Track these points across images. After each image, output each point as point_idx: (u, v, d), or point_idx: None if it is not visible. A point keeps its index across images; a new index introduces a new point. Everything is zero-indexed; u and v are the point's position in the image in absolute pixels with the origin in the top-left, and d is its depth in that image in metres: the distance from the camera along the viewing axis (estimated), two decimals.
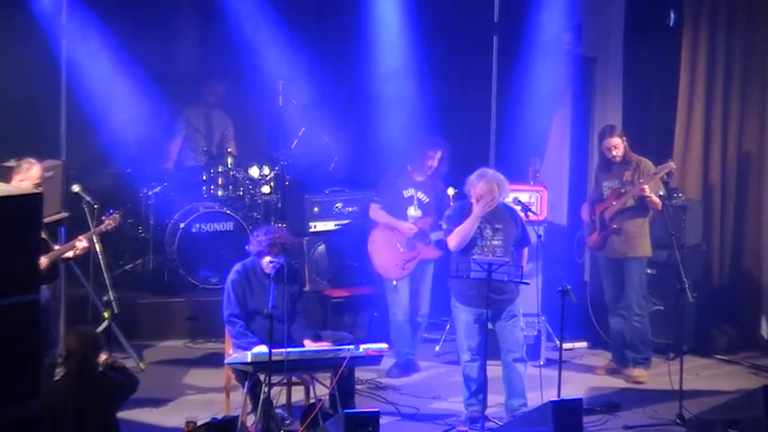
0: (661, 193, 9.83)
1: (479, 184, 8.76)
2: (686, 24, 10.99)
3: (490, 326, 8.82)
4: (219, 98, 12.06)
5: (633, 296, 9.95)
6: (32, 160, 8.81)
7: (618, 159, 9.92)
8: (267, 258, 8.49)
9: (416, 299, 10.11)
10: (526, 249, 9.10)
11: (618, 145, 9.90)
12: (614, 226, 9.86)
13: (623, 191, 9.83)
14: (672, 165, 9.91)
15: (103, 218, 9.42)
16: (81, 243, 8.98)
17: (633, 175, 9.85)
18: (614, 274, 10.03)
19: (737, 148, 11.02)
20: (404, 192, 10.06)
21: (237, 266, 8.71)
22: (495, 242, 8.81)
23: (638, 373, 9.96)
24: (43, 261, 8.56)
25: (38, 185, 8.67)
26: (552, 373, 8.60)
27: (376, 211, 10.14)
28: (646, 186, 9.66)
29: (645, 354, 10.02)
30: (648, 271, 10.18)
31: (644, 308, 10.02)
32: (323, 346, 8.43)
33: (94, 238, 9.43)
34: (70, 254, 9.04)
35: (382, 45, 11.60)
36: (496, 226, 8.84)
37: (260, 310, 8.48)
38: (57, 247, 8.94)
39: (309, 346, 8.42)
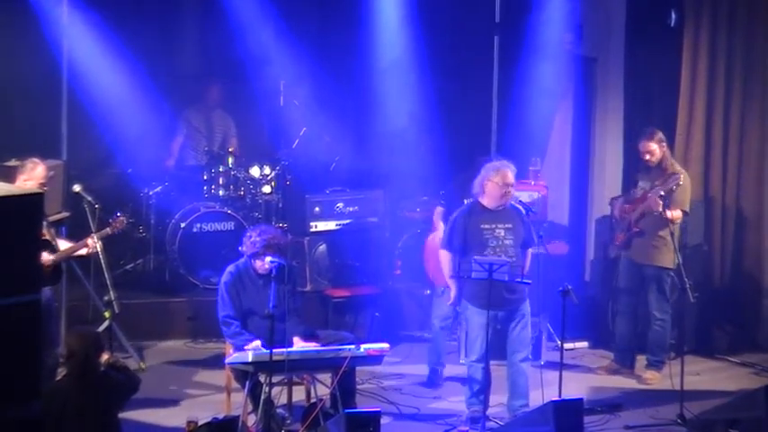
0: (685, 209, 9.74)
1: (498, 175, 8.74)
2: (687, 24, 10.98)
3: (499, 326, 8.81)
4: (218, 99, 12.04)
5: (653, 302, 9.91)
6: (36, 159, 8.84)
7: (652, 164, 9.82)
8: (268, 258, 8.49)
9: None
10: (530, 250, 9.09)
11: (653, 151, 9.76)
12: (636, 228, 9.81)
13: (650, 195, 9.72)
14: (679, 178, 9.62)
15: (110, 220, 9.38)
16: (92, 242, 9.01)
17: (663, 183, 9.68)
18: (632, 277, 10.00)
19: (739, 148, 11.01)
20: (464, 200, 9.77)
21: (230, 268, 8.70)
22: (508, 242, 8.78)
23: (649, 375, 9.95)
24: (47, 259, 8.57)
25: (42, 185, 8.68)
26: (553, 373, 8.59)
27: (440, 216, 9.78)
28: (656, 198, 9.48)
29: (659, 357, 9.99)
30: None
31: (666, 312, 9.96)
32: (311, 346, 8.42)
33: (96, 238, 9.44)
34: (84, 251, 9.06)
35: (383, 46, 11.62)
36: (507, 225, 8.81)
37: (255, 311, 8.51)
38: (63, 248, 8.93)
39: (298, 344, 8.42)
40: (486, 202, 8.84)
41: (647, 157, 9.81)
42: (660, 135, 9.88)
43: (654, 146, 9.80)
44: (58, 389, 7.01)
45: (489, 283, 8.50)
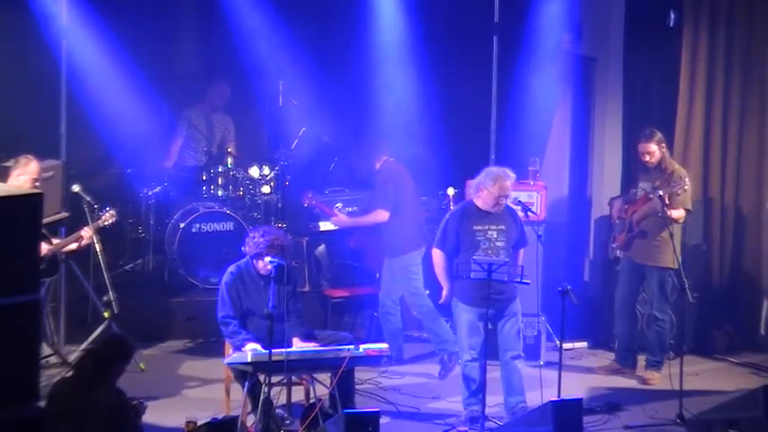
0: (687, 208, 9.74)
1: (495, 185, 8.76)
2: (686, 24, 10.98)
3: (490, 325, 8.82)
4: (224, 100, 12.00)
5: (655, 303, 9.92)
6: (30, 156, 8.88)
7: (651, 165, 9.83)
8: (267, 258, 8.48)
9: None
10: (522, 250, 9.11)
11: (653, 152, 9.78)
12: (637, 229, 9.80)
13: (651, 196, 9.73)
14: (685, 183, 9.57)
15: (100, 214, 9.45)
16: (86, 233, 9.05)
17: (663, 183, 9.68)
18: (633, 278, 10.00)
19: (737, 148, 11.01)
20: None
21: (231, 268, 8.70)
22: (499, 244, 8.82)
23: (649, 375, 9.95)
24: (43, 249, 8.59)
25: (35, 180, 8.73)
26: (552, 373, 8.59)
27: None
28: (665, 196, 9.47)
29: (659, 357, 9.99)
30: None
31: (666, 313, 9.97)
32: (310, 346, 8.42)
33: (94, 238, 9.45)
34: (74, 246, 9.08)
35: (383, 48, 11.62)
36: (500, 227, 8.84)
37: (255, 311, 8.51)
38: (56, 241, 8.97)
39: (297, 344, 8.42)
40: (480, 203, 8.86)
41: (647, 158, 9.82)
42: (659, 136, 9.88)
43: (653, 147, 9.81)
44: (63, 386, 6.85)
45: (488, 282, 8.51)
